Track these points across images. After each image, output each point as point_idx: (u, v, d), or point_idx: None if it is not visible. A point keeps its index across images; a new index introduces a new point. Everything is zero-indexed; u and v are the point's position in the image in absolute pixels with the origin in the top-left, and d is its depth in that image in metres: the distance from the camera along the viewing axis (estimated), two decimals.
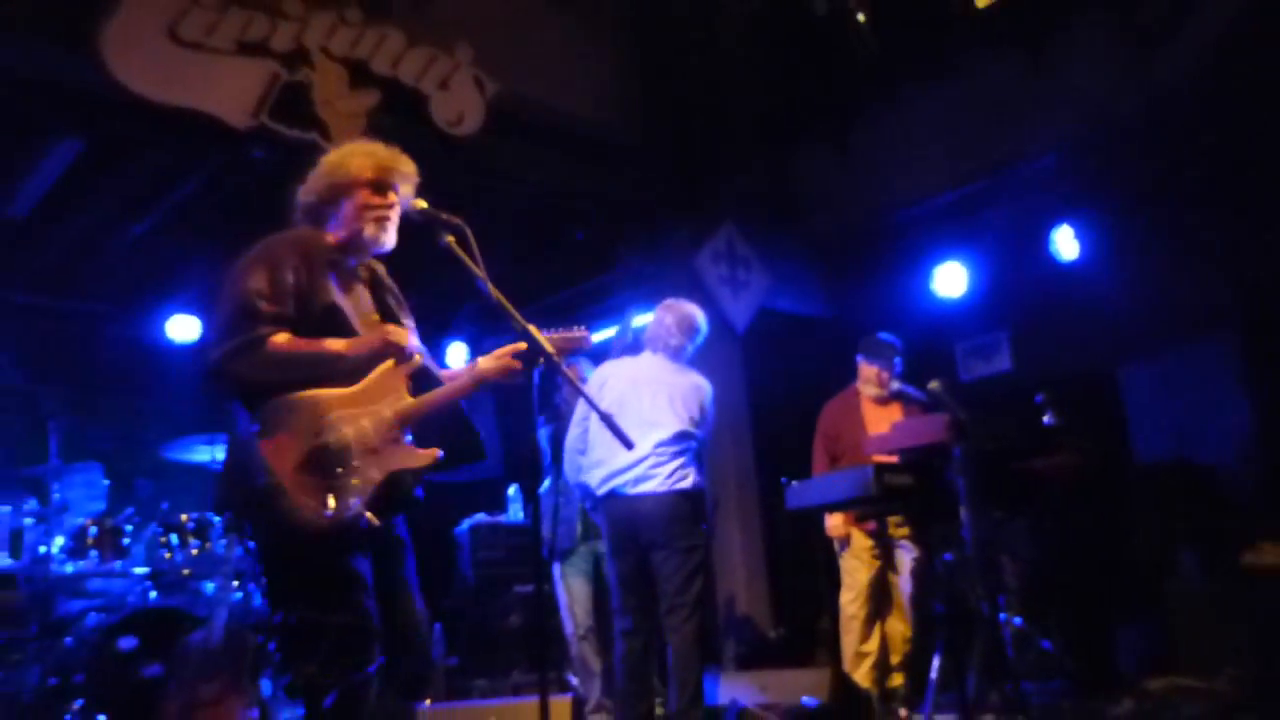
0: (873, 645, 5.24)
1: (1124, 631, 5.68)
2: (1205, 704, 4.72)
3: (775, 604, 6.12)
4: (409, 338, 2.83)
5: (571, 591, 5.27)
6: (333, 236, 2.92)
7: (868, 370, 5.49)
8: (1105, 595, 5.81)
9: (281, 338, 2.69)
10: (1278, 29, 5.24)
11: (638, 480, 4.50)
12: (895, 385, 5.34)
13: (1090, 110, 5.97)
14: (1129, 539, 5.67)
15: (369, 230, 2.92)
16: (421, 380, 2.87)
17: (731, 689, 4.32)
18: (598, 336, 8.26)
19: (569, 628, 5.27)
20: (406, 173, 3.01)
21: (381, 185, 2.94)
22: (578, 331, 3.46)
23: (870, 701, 4.80)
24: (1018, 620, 5.38)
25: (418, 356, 2.87)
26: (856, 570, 5.31)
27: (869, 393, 5.51)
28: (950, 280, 6.66)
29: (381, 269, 3.09)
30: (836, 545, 5.44)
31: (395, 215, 2.97)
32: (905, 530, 5.30)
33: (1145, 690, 4.99)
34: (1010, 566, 5.53)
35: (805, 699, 4.04)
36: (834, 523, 5.36)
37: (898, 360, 5.46)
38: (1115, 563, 5.71)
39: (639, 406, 4.63)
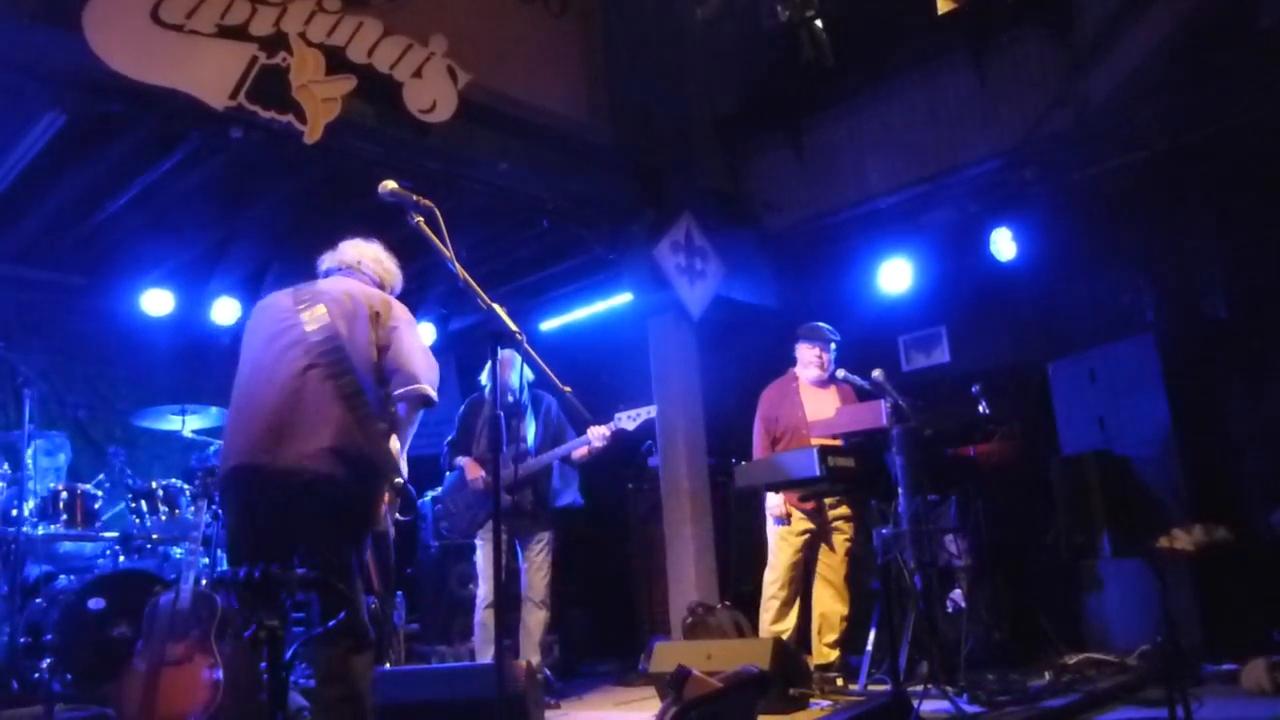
0: (788, 624, 5.26)
1: (1046, 608, 5.77)
2: (1118, 677, 4.82)
3: (723, 577, 6.14)
4: None
5: (489, 562, 5.34)
6: None
7: (808, 353, 5.51)
8: (1030, 574, 5.91)
9: None
10: (1196, 55, 5.34)
11: None
12: (840, 373, 5.37)
13: (1028, 122, 6.04)
14: (1053, 522, 5.75)
15: None
16: None
17: (679, 656, 4.32)
18: (556, 321, 8.27)
19: (480, 593, 5.35)
20: None
21: None
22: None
23: (808, 669, 4.82)
24: (949, 596, 5.45)
25: None
26: (781, 550, 5.30)
27: (808, 376, 5.52)
28: (894, 276, 6.71)
29: None
30: (771, 522, 5.43)
31: None
32: (842, 510, 5.33)
33: (1063, 664, 5.08)
34: (959, 544, 5.59)
35: (749, 666, 4.04)
36: (775, 501, 5.36)
37: (834, 346, 5.49)
38: (1040, 544, 5.80)
39: None
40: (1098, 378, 6.05)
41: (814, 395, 5.51)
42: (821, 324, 5.59)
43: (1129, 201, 6.06)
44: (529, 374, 5.39)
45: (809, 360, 5.52)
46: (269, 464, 3.14)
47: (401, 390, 3.35)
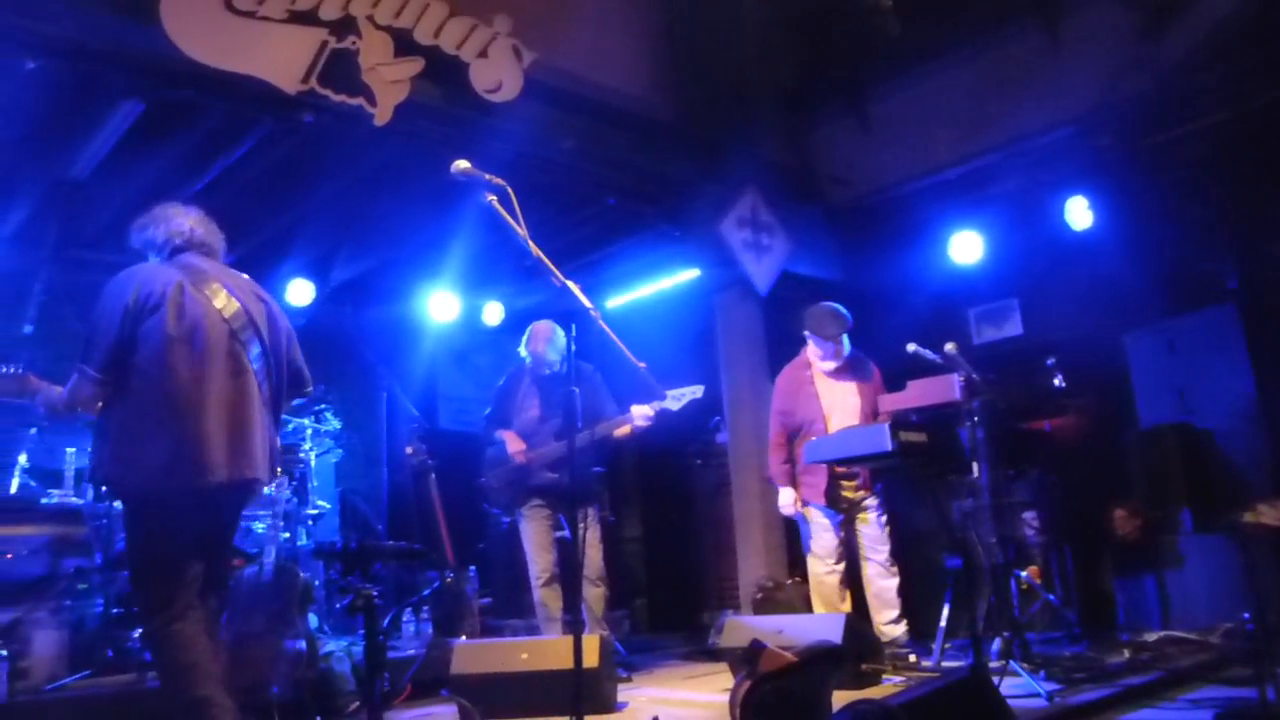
0: (845, 606, 5.16)
1: (1124, 586, 5.65)
2: (1200, 656, 4.70)
3: (791, 553, 6.11)
4: None
5: (533, 539, 5.30)
6: None
7: (819, 349, 5.25)
8: (1107, 551, 5.78)
9: None
10: None
11: None
12: (911, 347, 5.21)
13: (1103, 85, 5.86)
14: (1131, 498, 5.62)
15: None
16: None
17: (750, 632, 4.32)
18: (621, 299, 8.27)
19: (532, 573, 5.30)
20: None
21: None
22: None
23: (880, 645, 4.79)
24: (1024, 573, 5.35)
25: None
26: (822, 539, 5.18)
27: (823, 367, 5.28)
28: (964, 248, 6.58)
29: None
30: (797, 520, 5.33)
31: None
32: (864, 492, 5.19)
33: (1142, 642, 4.98)
34: (1035, 521, 5.48)
35: (823, 640, 4.03)
36: (786, 500, 5.24)
37: (846, 336, 5.23)
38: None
39: None
40: (1177, 348, 5.88)
41: (830, 387, 5.27)
42: (830, 309, 5.23)
43: (1209, 165, 5.86)
44: (561, 343, 5.33)
45: (822, 352, 5.25)
46: (240, 478, 3.19)
47: (301, 391, 3.58)
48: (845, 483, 5.16)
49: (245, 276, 3.50)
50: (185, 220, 3.43)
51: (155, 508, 3.11)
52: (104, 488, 3.62)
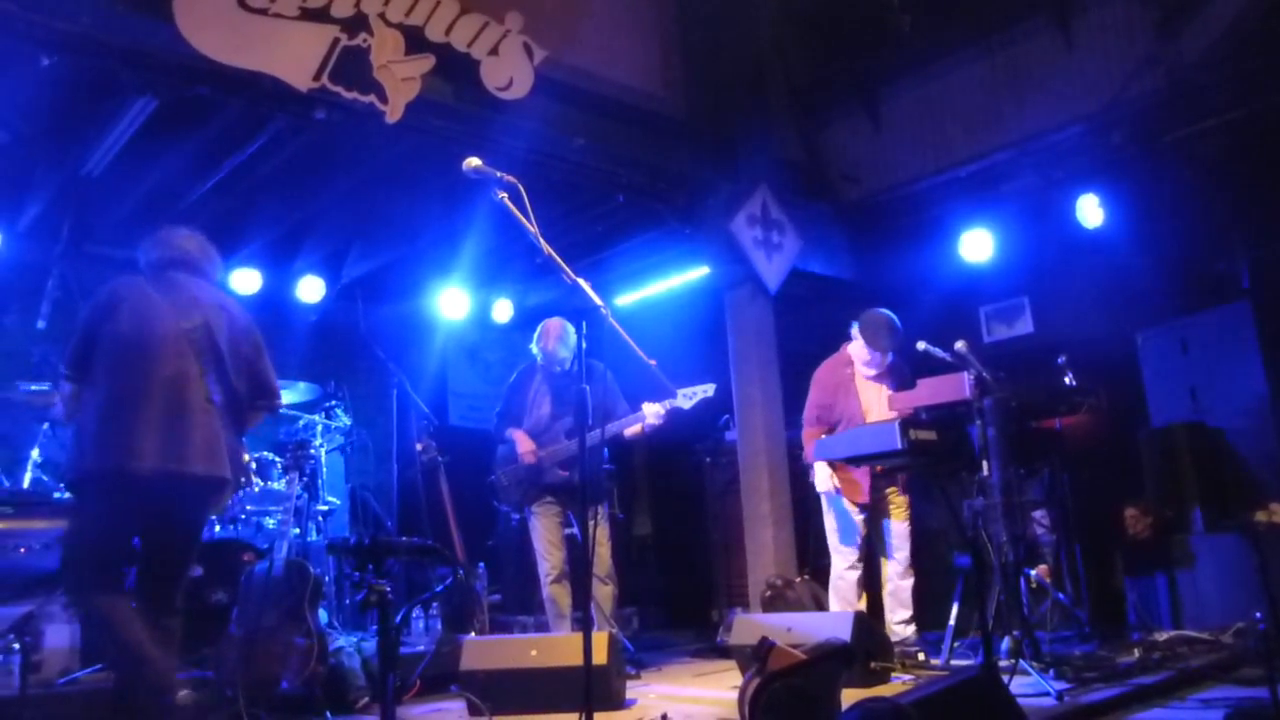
0: (861, 604, 5.18)
1: (1135, 585, 5.63)
2: (1211, 656, 4.68)
3: (800, 551, 6.11)
4: None
5: (544, 536, 5.31)
6: None
7: (866, 352, 5.28)
8: (1119, 550, 5.76)
9: None
10: None
11: None
12: (921, 345, 5.22)
13: (1115, 83, 5.85)
14: (1143, 496, 5.60)
15: None
16: None
17: (759, 629, 4.32)
18: (632, 296, 8.28)
19: (542, 570, 5.31)
20: None
21: None
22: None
23: (889, 643, 4.78)
24: (1034, 572, 5.34)
25: None
26: (848, 531, 5.19)
27: (865, 371, 5.33)
28: (976, 246, 6.57)
29: None
30: (825, 503, 5.33)
31: None
32: (894, 488, 5.23)
33: (1153, 642, 4.96)
34: (1046, 520, 5.46)
35: (833, 638, 4.03)
36: (821, 476, 5.24)
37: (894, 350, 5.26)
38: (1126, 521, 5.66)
39: None
40: (1189, 347, 5.86)
41: (868, 388, 5.33)
42: (887, 321, 5.23)
43: (1224, 163, 5.83)
44: (573, 341, 5.35)
45: (868, 358, 5.28)
46: (169, 470, 3.29)
47: (267, 403, 3.76)
48: (880, 483, 5.20)
49: (226, 297, 3.74)
50: (184, 243, 3.71)
51: (87, 487, 3.30)
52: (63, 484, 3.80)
